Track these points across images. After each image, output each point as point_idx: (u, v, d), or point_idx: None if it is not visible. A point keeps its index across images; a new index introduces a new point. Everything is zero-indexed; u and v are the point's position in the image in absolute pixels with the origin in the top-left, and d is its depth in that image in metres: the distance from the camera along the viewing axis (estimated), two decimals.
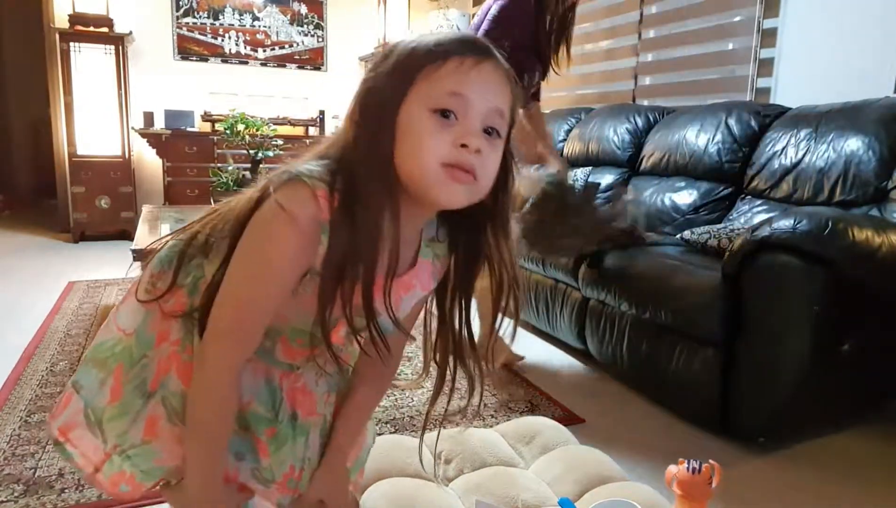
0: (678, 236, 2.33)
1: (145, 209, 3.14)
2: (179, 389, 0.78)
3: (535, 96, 2.22)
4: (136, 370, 0.80)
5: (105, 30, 4.41)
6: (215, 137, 4.59)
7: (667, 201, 2.74)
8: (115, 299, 2.96)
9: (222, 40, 5.00)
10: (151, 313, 0.81)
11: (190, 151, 4.63)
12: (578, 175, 3.19)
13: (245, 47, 5.07)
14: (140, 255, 2.02)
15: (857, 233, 1.59)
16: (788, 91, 2.68)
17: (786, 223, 1.57)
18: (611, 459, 1.33)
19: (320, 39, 5.28)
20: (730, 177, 2.54)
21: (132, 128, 4.57)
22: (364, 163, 0.69)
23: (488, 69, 0.70)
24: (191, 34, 4.90)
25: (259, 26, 5.08)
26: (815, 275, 1.54)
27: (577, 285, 2.27)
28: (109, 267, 3.68)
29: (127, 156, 4.57)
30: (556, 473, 1.27)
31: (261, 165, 3.17)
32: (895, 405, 1.95)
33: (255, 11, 5.05)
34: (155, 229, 2.63)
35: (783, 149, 2.32)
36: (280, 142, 3.49)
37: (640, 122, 3.12)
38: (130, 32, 4.53)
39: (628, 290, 1.97)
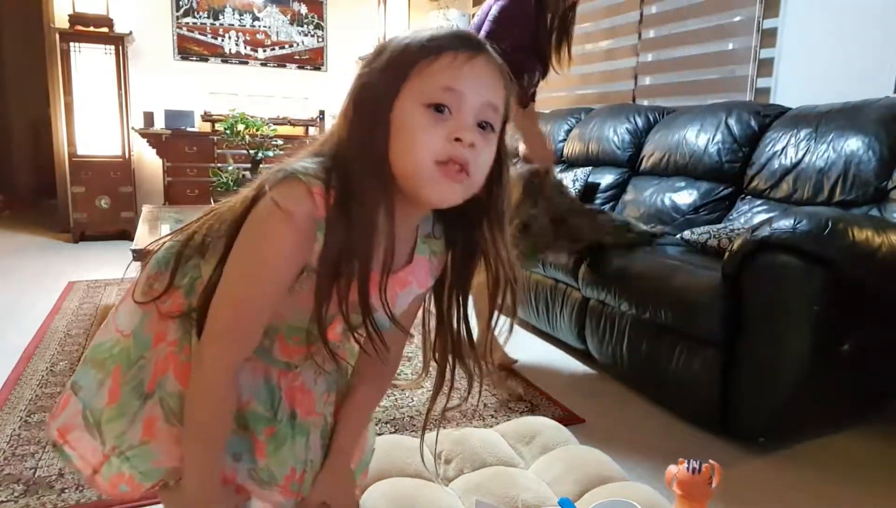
0: (678, 236, 2.33)
1: (145, 209, 3.14)
2: (177, 389, 0.78)
3: (532, 96, 2.22)
4: (134, 372, 0.79)
5: (105, 30, 4.42)
6: (215, 137, 4.59)
7: (667, 201, 2.74)
8: (114, 299, 2.96)
9: (222, 40, 5.00)
10: (149, 314, 0.81)
11: (190, 151, 4.63)
12: (578, 175, 3.20)
13: (245, 47, 5.07)
14: (140, 255, 2.02)
15: (857, 233, 1.59)
16: (788, 91, 2.68)
17: (786, 223, 1.57)
18: (611, 459, 1.33)
19: (320, 39, 5.28)
20: (730, 177, 2.54)
21: (132, 128, 4.57)
22: (359, 159, 0.69)
23: (481, 64, 0.70)
24: (191, 34, 4.90)
25: (259, 26, 5.08)
26: (814, 275, 1.54)
27: (577, 285, 2.27)
28: (109, 267, 3.68)
29: (127, 156, 4.57)
30: (556, 473, 1.27)
31: (261, 165, 3.17)
32: (895, 405, 1.95)
33: (255, 11, 5.05)
34: (155, 229, 2.63)
35: (783, 149, 2.32)
36: (280, 142, 3.49)
37: (640, 122, 3.12)
38: (130, 32, 4.53)
39: (628, 290, 1.97)
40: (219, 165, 4.29)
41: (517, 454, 1.37)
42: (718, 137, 2.60)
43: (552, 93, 4.11)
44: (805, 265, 1.54)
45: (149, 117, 4.62)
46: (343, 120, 0.72)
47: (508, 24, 1.91)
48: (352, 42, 5.28)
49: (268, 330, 0.77)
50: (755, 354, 1.64)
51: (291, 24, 5.17)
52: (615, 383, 2.14)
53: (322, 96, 5.17)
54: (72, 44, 4.31)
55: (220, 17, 4.95)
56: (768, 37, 2.76)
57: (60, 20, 4.40)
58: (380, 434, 1.50)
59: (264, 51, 5.12)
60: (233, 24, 5.00)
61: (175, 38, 4.86)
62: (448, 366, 0.84)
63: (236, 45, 5.04)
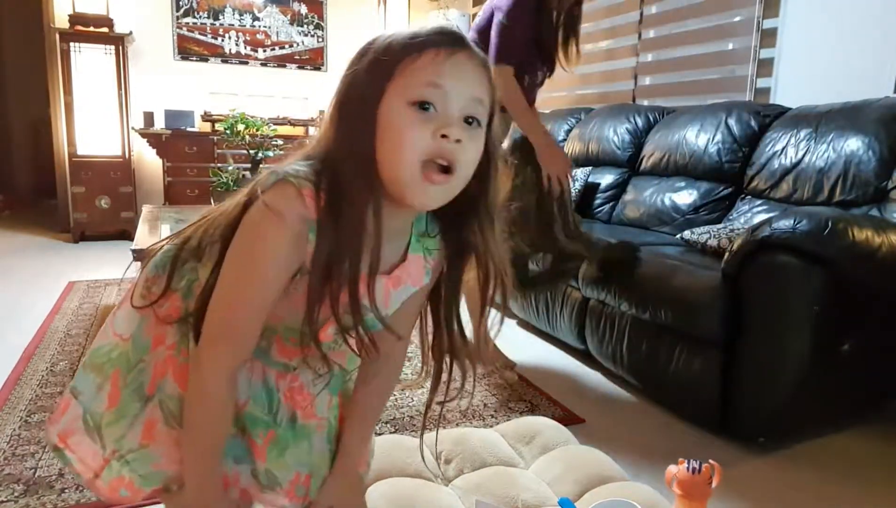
0: (678, 236, 2.33)
1: (145, 209, 3.14)
2: (176, 392, 0.78)
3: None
4: (133, 375, 0.79)
5: (105, 30, 4.42)
6: (215, 137, 4.59)
7: (667, 201, 2.74)
8: (114, 299, 2.96)
9: (222, 40, 5.00)
10: (147, 317, 0.81)
11: (190, 151, 4.63)
12: (578, 175, 3.20)
13: (245, 47, 5.07)
14: (140, 255, 2.02)
15: (857, 233, 1.59)
16: (788, 91, 2.68)
17: (786, 223, 1.57)
18: (611, 459, 1.33)
19: (320, 39, 5.28)
20: (730, 177, 2.54)
21: (132, 128, 4.57)
22: (347, 161, 0.69)
23: (464, 58, 0.70)
24: (191, 34, 4.90)
25: (259, 26, 5.08)
26: (814, 275, 1.54)
27: (577, 286, 2.27)
28: (109, 267, 3.68)
29: (127, 156, 4.57)
30: (556, 473, 1.27)
31: (261, 166, 3.17)
32: (895, 405, 1.95)
33: (255, 11, 5.05)
34: (155, 229, 2.63)
35: (783, 149, 2.33)
36: (280, 142, 3.49)
37: (640, 122, 3.12)
38: (130, 32, 4.53)
39: (628, 290, 1.97)
40: (219, 165, 4.29)
41: (517, 454, 1.37)
42: (718, 137, 2.60)
43: (552, 93, 4.11)
44: (805, 265, 1.54)
45: (149, 117, 4.62)
46: (330, 123, 0.72)
47: (511, 38, 1.88)
48: (352, 42, 5.24)
49: (265, 331, 0.77)
50: (755, 354, 1.64)
51: (291, 24, 5.17)
52: (615, 383, 2.14)
53: (322, 96, 5.16)
54: (72, 44, 4.31)
55: (220, 17, 4.95)
56: (768, 37, 2.77)
57: (60, 20, 4.40)
58: (380, 434, 1.50)
59: (264, 51, 5.12)
60: (233, 25, 5.00)
61: (175, 38, 4.86)
62: (445, 365, 0.84)
63: (236, 45, 5.04)
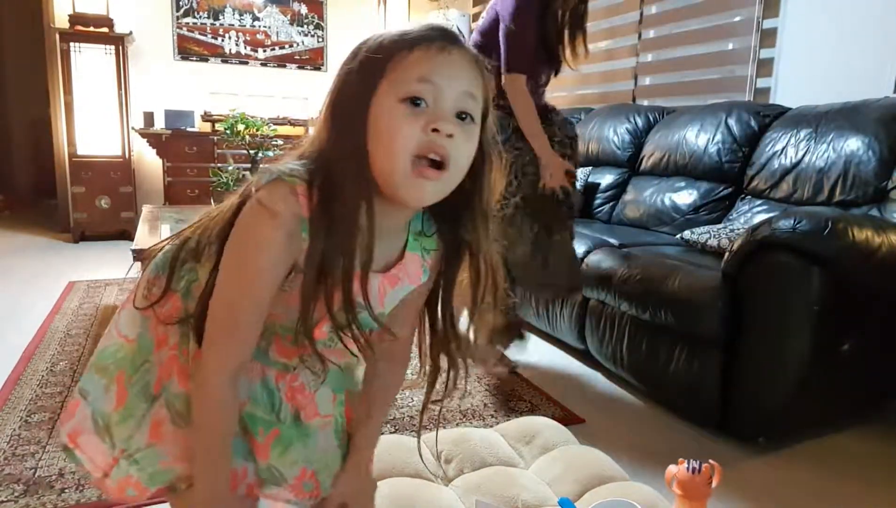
0: (678, 236, 2.33)
1: (145, 209, 3.14)
2: (181, 392, 0.79)
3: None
4: (139, 375, 0.80)
5: (105, 30, 4.42)
6: (215, 137, 4.59)
7: (667, 201, 2.74)
8: (115, 299, 2.96)
9: (222, 40, 5.00)
10: (150, 318, 0.82)
11: (190, 151, 4.63)
12: (578, 175, 3.20)
13: (245, 47, 5.07)
14: (140, 255, 2.02)
15: (856, 233, 1.59)
16: (788, 91, 2.68)
17: (786, 223, 1.57)
18: (611, 459, 1.33)
19: (320, 39, 5.28)
20: (730, 177, 2.54)
21: (132, 128, 4.57)
22: (339, 159, 0.69)
23: (455, 54, 0.69)
24: (191, 34, 4.90)
25: (259, 26, 5.08)
26: (814, 275, 1.54)
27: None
28: (109, 267, 3.68)
29: (127, 156, 4.57)
30: (556, 473, 1.27)
31: (260, 166, 3.17)
32: (895, 405, 1.95)
33: (255, 11, 5.05)
34: (155, 229, 2.63)
35: (783, 149, 2.33)
36: (280, 142, 3.50)
37: (640, 122, 3.12)
38: (130, 32, 4.53)
39: (628, 290, 1.97)
40: (219, 165, 4.29)
41: (517, 454, 1.37)
42: (718, 137, 2.60)
43: (552, 93, 4.10)
44: (805, 265, 1.54)
45: (149, 117, 4.62)
46: (323, 122, 0.73)
47: (521, 44, 1.85)
48: (352, 42, 5.22)
49: (264, 331, 0.77)
50: (755, 354, 1.64)
51: (291, 24, 5.17)
52: (615, 383, 2.14)
53: (322, 96, 5.14)
54: (72, 44, 4.31)
55: (220, 17, 4.95)
56: (768, 37, 2.77)
57: (60, 20, 4.40)
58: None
59: (264, 51, 5.12)
60: (233, 25, 5.00)
61: (175, 38, 4.86)
62: (442, 364, 0.84)
63: (236, 45, 5.04)
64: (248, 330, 0.74)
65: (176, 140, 4.60)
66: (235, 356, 0.74)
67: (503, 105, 1.87)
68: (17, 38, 6.22)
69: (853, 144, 2.07)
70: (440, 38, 0.69)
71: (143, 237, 2.39)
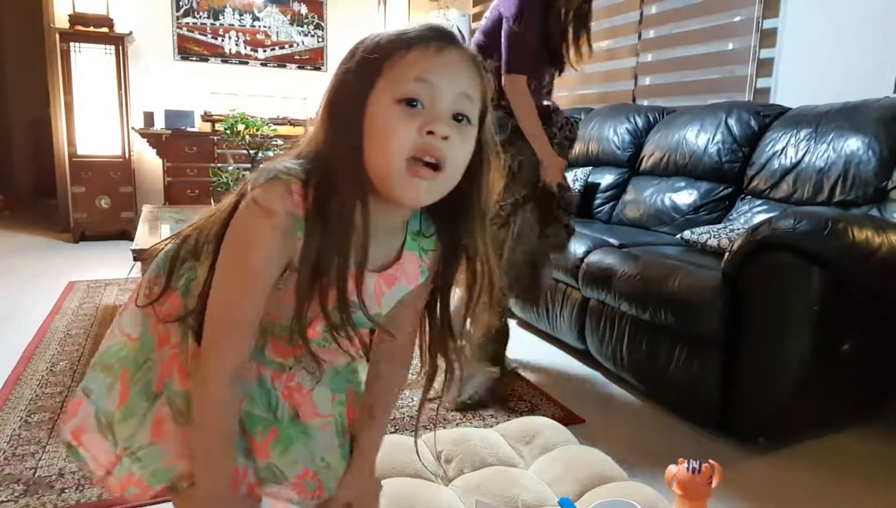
0: (678, 236, 2.33)
1: (145, 209, 3.14)
2: (182, 390, 0.79)
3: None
4: (141, 373, 0.81)
5: (105, 30, 4.42)
6: (215, 137, 4.59)
7: (667, 201, 2.74)
8: (114, 299, 2.96)
9: (222, 40, 5.00)
10: (151, 317, 0.82)
11: (190, 151, 4.63)
12: (578, 175, 3.20)
13: (245, 47, 5.07)
14: (140, 255, 2.02)
15: (856, 233, 1.59)
16: (788, 91, 2.68)
17: (786, 223, 1.57)
18: (611, 459, 1.33)
19: (320, 39, 5.28)
20: (730, 177, 2.54)
21: (132, 128, 4.57)
22: (335, 159, 0.69)
23: (453, 55, 0.69)
24: (191, 34, 4.90)
25: (259, 26, 5.08)
26: (814, 275, 1.54)
27: (577, 285, 2.27)
28: (109, 267, 3.68)
29: (127, 156, 4.57)
30: (556, 473, 1.27)
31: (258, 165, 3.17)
32: (895, 405, 1.95)
33: (255, 11, 5.05)
34: (155, 229, 2.63)
35: (783, 149, 2.33)
36: (280, 142, 3.49)
37: (640, 122, 3.12)
38: (130, 32, 4.53)
39: (628, 290, 1.97)
40: (219, 165, 4.29)
41: (517, 454, 1.37)
42: (718, 137, 2.60)
43: (554, 93, 4.10)
44: (805, 265, 1.54)
45: (149, 117, 4.62)
46: (320, 121, 0.73)
47: (522, 45, 1.84)
48: (352, 42, 5.26)
49: (260, 330, 0.77)
50: (755, 354, 1.64)
51: (291, 24, 5.17)
52: (615, 383, 2.14)
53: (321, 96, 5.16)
54: (72, 44, 4.31)
55: (220, 17, 4.95)
56: (768, 37, 2.77)
57: (60, 20, 4.40)
58: None
59: (264, 51, 5.12)
60: (233, 25, 5.00)
61: (175, 38, 4.86)
62: (438, 362, 0.84)
63: (236, 45, 5.04)
64: (246, 328, 0.74)
65: (176, 140, 4.60)
66: (235, 354, 0.74)
67: (504, 105, 1.87)
68: (17, 38, 6.22)
69: (853, 144, 2.07)
70: (437, 38, 0.69)
71: (143, 237, 2.39)
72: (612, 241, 2.32)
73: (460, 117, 0.70)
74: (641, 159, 3.02)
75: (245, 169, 3.28)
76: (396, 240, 0.79)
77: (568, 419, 1.82)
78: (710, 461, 1.16)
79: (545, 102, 2.04)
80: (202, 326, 0.74)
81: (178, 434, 0.80)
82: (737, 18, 2.96)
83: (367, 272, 0.74)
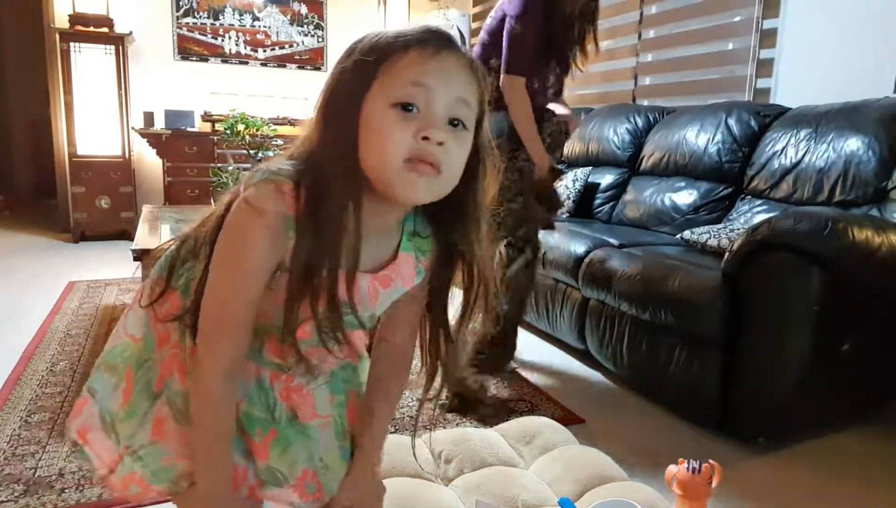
0: (678, 236, 2.33)
1: (145, 209, 3.14)
2: (182, 389, 0.80)
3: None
4: (142, 373, 0.81)
5: (105, 30, 4.42)
6: (215, 137, 4.59)
7: (667, 201, 2.74)
8: (114, 299, 2.96)
9: (222, 40, 5.00)
10: (152, 317, 0.83)
11: (190, 151, 4.63)
12: (578, 175, 3.20)
13: (245, 47, 5.07)
14: (140, 255, 2.02)
15: (856, 233, 1.59)
16: (788, 91, 2.68)
17: (786, 223, 1.57)
18: (611, 459, 1.33)
19: (320, 39, 5.28)
20: (730, 177, 2.54)
21: (132, 128, 4.57)
22: (329, 160, 0.69)
23: (450, 58, 0.69)
24: (191, 34, 4.89)
25: (259, 26, 5.08)
26: (814, 275, 1.54)
27: (577, 285, 2.27)
28: (109, 267, 3.68)
29: (127, 156, 4.57)
30: (556, 473, 1.27)
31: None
32: (895, 405, 1.95)
33: (255, 11, 5.05)
34: (155, 229, 2.63)
35: (783, 149, 2.33)
36: (280, 142, 3.49)
37: (640, 122, 3.12)
38: (130, 32, 4.53)
39: (628, 290, 1.97)
40: (219, 165, 4.29)
41: (517, 454, 1.37)
42: (718, 137, 2.60)
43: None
44: (805, 265, 1.54)
45: (149, 117, 4.62)
46: (315, 122, 0.72)
47: (522, 46, 1.81)
48: (351, 42, 5.27)
49: (257, 330, 0.78)
50: (755, 354, 1.64)
51: (291, 24, 5.17)
52: (615, 383, 2.14)
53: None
54: (72, 44, 4.31)
55: (220, 17, 4.95)
56: (768, 37, 2.77)
57: (60, 20, 4.40)
58: None
59: (264, 51, 5.12)
60: (233, 25, 5.00)
61: (175, 38, 4.86)
62: (438, 364, 0.84)
63: (236, 45, 5.04)
64: (240, 327, 0.74)
65: (176, 140, 4.60)
66: (228, 353, 0.75)
67: (504, 105, 1.87)
68: (17, 38, 6.22)
69: (853, 144, 2.07)
70: (434, 41, 0.68)
71: (143, 237, 2.39)
72: (612, 241, 2.32)
73: (456, 122, 0.69)
74: (641, 159, 3.02)
75: (245, 169, 3.28)
76: (392, 241, 0.79)
77: (568, 419, 1.82)
78: (710, 461, 1.16)
79: (548, 105, 2.03)
80: (197, 324, 0.75)
81: (178, 434, 0.80)
82: (737, 18, 2.96)
83: (361, 273, 0.74)
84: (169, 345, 0.81)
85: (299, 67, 5.24)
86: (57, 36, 4.33)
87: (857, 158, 2.04)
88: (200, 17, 4.89)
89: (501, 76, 1.84)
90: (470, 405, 1.85)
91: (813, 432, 1.76)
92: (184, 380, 0.79)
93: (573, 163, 3.41)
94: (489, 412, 1.85)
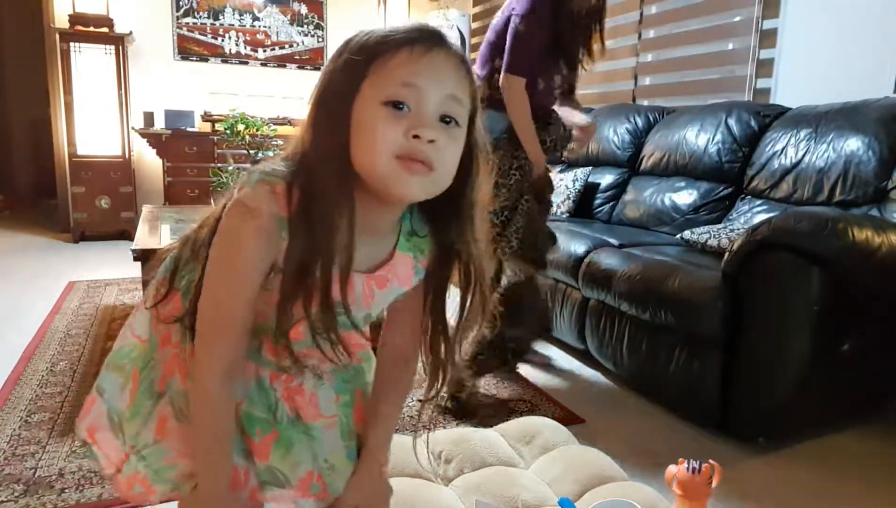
0: (678, 236, 2.33)
1: (145, 209, 3.13)
2: (183, 389, 0.80)
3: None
4: (146, 373, 0.82)
5: (105, 30, 4.42)
6: (215, 137, 4.59)
7: (667, 201, 2.74)
8: (114, 299, 2.96)
9: (222, 40, 5.00)
10: (154, 317, 0.84)
11: (190, 151, 4.63)
12: (578, 175, 3.20)
13: (245, 47, 5.07)
14: (140, 255, 2.02)
15: (856, 233, 1.59)
16: (788, 91, 2.68)
17: (786, 223, 1.57)
18: (611, 459, 1.33)
19: (320, 39, 5.28)
20: (730, 177, 2.54)
21: (132, 128, 4.57)
22: (321, 160, 0.69)
23: (440, 56, 0.68)
24: (191, 34, 4.90)
25: (259, 26, 5.08)
26: (814, 275, 1.54)
27: (577, 285, 2.27)
28: (109, 267, 3.68)
29: (127, 156, 4.57)
30: (556, 473, 1.27)
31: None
32: (895, 405, 1.95)
33: (255, 11, 5.05)
34: (155, 229, 2.63)
35: (783, 149, 2.33)
36: (280, 142, 3.49)
37: (640, 122, 3.12)
38: (130, 32, 4.53)
39: (628, 290, 1.97)
40: (219, 165, 4.29)
41: (517, 454, 1.37)
42: (718, 137, 2.60)
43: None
44: (805, 265, 1.54)
45: (149, 117, 4.62)
46: (307, 122, 0.72)
47: (525, 46, 1.80)
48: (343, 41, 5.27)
49: (255, 331, 0.78)
50: (755, 354, 1.64)
51: (291, 24, 5.17)
52: (615, 383, 2.14)
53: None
54: (72, 44, 4.31)
55: (220, 17, 4.95)
56: (768, 37, 2.77)
57: (60, 20, 4.40)
58: None
59: (264, 51, 5.12)
60: (233, 25, 5.00)
61: (175, 38, 4.86)
62: (438, 363, 0.84)
63: (236, 45, 5.04)
64: (236, 328, 0.74)
65: (176, 140, 4.60)
66: (225, 354, 0.75)
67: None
68: (17, 38, 6.22)
69: (853, 144, 2.07)
70: (424, 39, 0.68)
71: (143, 237, 2.39)
72: (612, 241, 2.32)
73: (448, 119, 0.69)
74: (641, 159, 3.02)
75: (245, 169, 3.28)
76: (388, 241, 0.79)
77: (568, 419, 1.82)
78: (710, 461, 1.16)
79: (550, 104, 2.02)
80: (195, 324, 0.75)
81: (180, 433, 0.81)
82: (737, 18, 2.96)
83: (356, 273, 0.73)
84: (170, 345, 0.82)
85: (299, 67, 5.24)
86: (57, 36, 4.33)
87: (857, 158, 2.04)
88: (200, 17, 4.89)
89: (501, 76, 1.84)
90: (466, 410, 1.85)
91: (813, 432, 1.76)
92: (184, 381, 0.80)
93: (573, 163, 3.41)
94: (489, 413, 1.85)
